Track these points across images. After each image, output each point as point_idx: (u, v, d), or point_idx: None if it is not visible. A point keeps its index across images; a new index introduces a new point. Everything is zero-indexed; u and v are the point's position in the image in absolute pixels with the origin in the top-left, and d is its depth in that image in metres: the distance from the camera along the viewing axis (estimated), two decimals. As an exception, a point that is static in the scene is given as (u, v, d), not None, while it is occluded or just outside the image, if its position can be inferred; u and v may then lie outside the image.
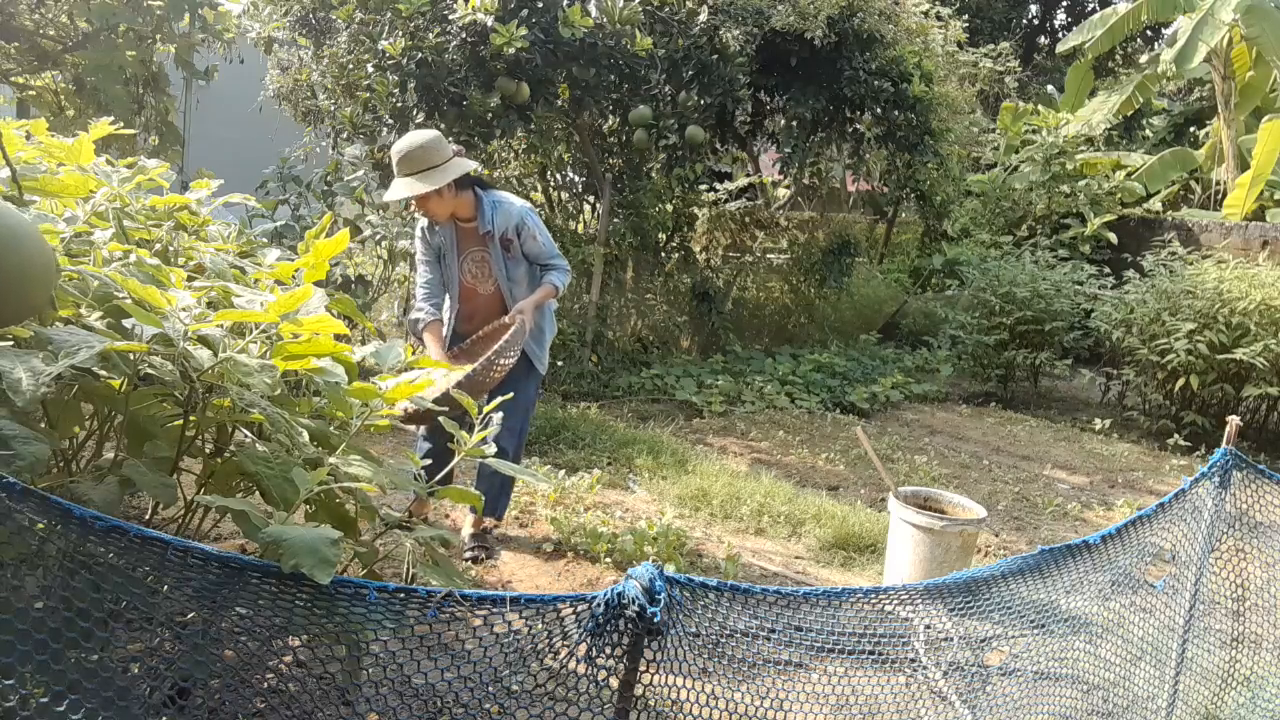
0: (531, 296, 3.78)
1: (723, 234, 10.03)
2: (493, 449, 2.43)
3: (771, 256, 10.13)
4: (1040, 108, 12.50)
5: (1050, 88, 17.18)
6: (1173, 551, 2.68)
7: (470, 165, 3.67)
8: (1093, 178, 11.16)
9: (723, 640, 1.81)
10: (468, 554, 3.86)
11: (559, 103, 6.70)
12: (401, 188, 3.59)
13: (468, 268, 3.88)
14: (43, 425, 1.94)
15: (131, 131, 5.43)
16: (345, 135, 7.06)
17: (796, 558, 4.39)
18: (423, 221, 3.89)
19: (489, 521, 4.03)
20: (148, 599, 1.55)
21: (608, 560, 4.03)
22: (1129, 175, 12.12)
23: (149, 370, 1.96)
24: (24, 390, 1.59)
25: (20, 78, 7.64)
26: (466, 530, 4.01)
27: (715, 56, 6.92)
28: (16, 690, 1.36)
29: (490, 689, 1.66)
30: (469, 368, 3.35)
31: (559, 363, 7.19)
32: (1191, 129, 15.61)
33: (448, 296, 3.96)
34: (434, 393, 3.00)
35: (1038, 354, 8.04)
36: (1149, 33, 17.32)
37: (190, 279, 2.29)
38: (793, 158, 8.37)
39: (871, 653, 2.03)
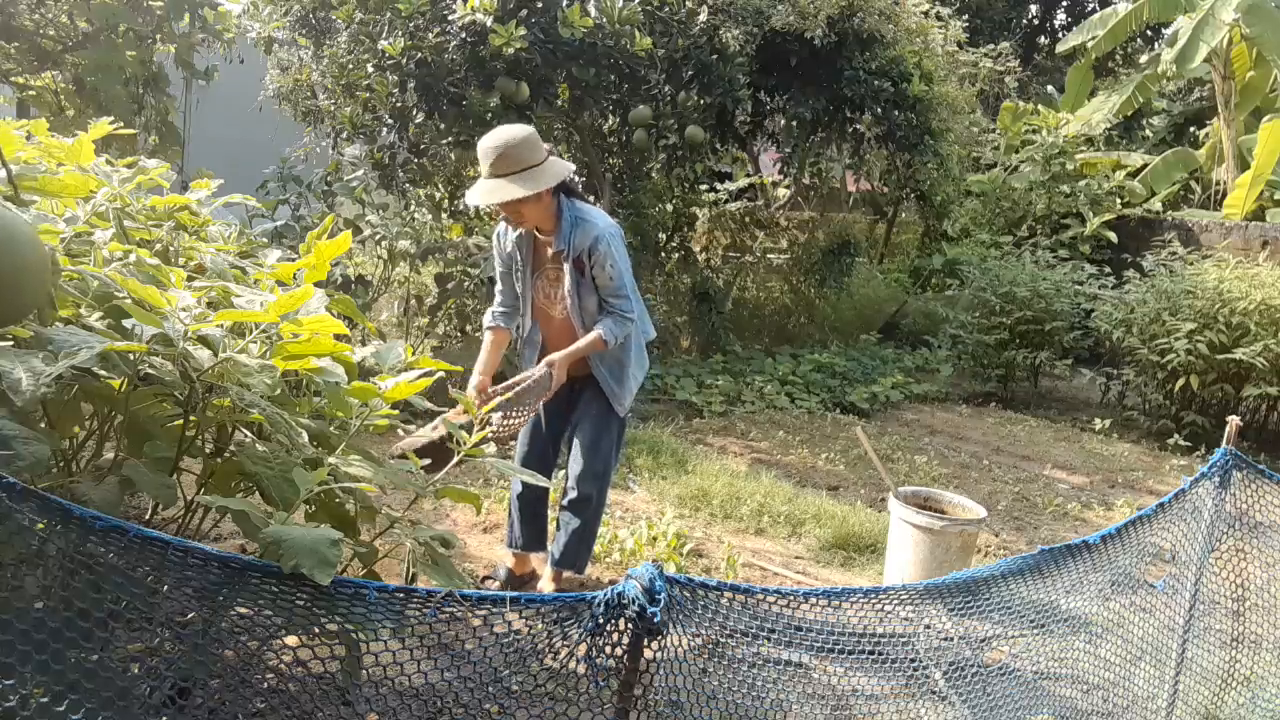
0: (569, 348, 3.30)
1: (723, 234, 10.04)
2: (492, 449, 2.43)
3: (771, 256, 10.13)
4: (1040, 108, 12.50)
5: (1050, 88, 17.19)
6: (1173, 551, 2.68)
7: (569, 168, 3.22)
8: (1093, 178, 11.17)
9: (723, 640, 1.82)
10: None
11: (559, 103, 6.70)
12: (493, 190, 3.09)
13: (541, 286, 3.46)
14: (43, 425, 1.94)
15: (131, 131, 5.43)
16: (345, 135, 7.05)
17: (796, 558, 4.38)
18: (499, 228, 3.48)
19: (569, 575, 3.64)
20: (148, 599, 1.55)
21: (607, 560, 4.03)
22: (1131, 175, 12.12)
23: (149, 370, 1.96)
24: (24, 390, 1.59)
25: (20, 78, 7.64)
26: (546, 586, 3.66)
27: (715, 56, 6.92)
28: (16, 690, 1.36)
29: (490, 689, 1.66)
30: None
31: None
32: (1191, 129, 15.61)
33: (522, 315, 3.58)
34: (427, 437, 2.80)
35: (1038, 354, 8.04)
36: (1149, 32, 17.32)
37: (190, 279, 2.29)
38: (793, 158, 8.37)
39: (871, 653, 2.03)
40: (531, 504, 3.70)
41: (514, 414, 3.07)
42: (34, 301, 1.73)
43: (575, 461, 3.50)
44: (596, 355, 3.41)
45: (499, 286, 3.56)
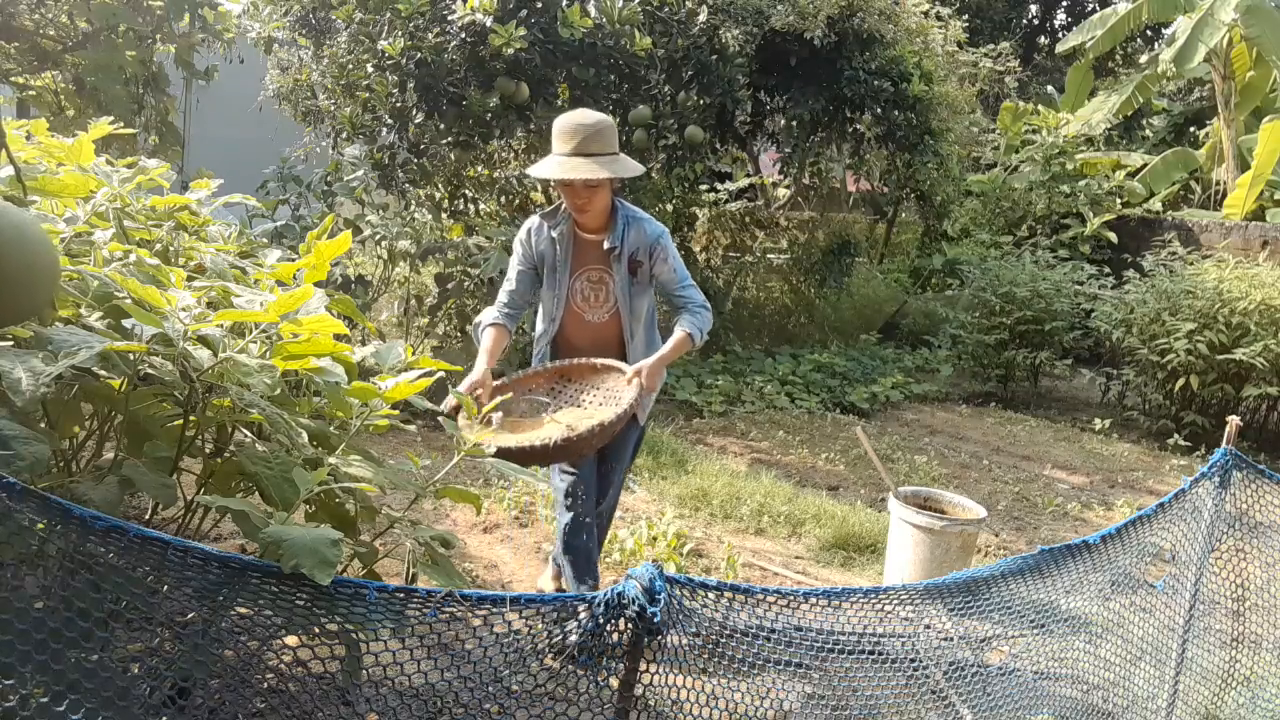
0: (659, 353, 3.06)
1: (723, 234, 10.03)
2: (493, 449, 2.43)
3: (771, 256, 10.13)
4: (1040, 108, 12.50)
5: (1050, 88, 17.19)
6: (1173, 551, 2.68)
7: (639, 168, 3.09)
8: (1093, 178, 11.17)
9: (723, 640, 1.82)
10: None
11: (559, 103, 6.70)
12: (575, 167, 2.93)
13: (580, 288, 3.21)
14: (43, 425, 1.94)
15: (131, 131, 5.43)
16: (345, 135, 7.05)
17: (796, 558, 4.38)
18: (531, 223, 3.24)
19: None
20: (148, 599, 1.55)
21: (607, 560, 4.03)
22: (1131, 175, 12.12)
23: (149, 370, 1.96)
24: (24, 390, 1.59)
25: (20, 78, 7.63)
26: (547, 586, 3.60)
27: (715, 56, 6.92)
28: (16, 690, 1.36)
29: (490, 689, 1.66)
30: (569, 425, 2.79)
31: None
32: (1191, 129, 15.61)
33: (545, 318, 3.29)
34: (519, 442, 2.66)
35: (1038, 354, 8.04)
36: (1149, 32, 17.33)
37: (190, 279, 2.29)
38: (793, 158, 8.37)
39: (871, 653, 2.03)
40: (590, 538, 3.34)
41: (615, 429, 2.81)
42: (44, 299, 1.73)
43: (611, 469, 3.34)
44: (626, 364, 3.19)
45: (512, 287, 3.28)
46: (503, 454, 2.63)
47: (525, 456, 2.67)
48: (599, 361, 3.15)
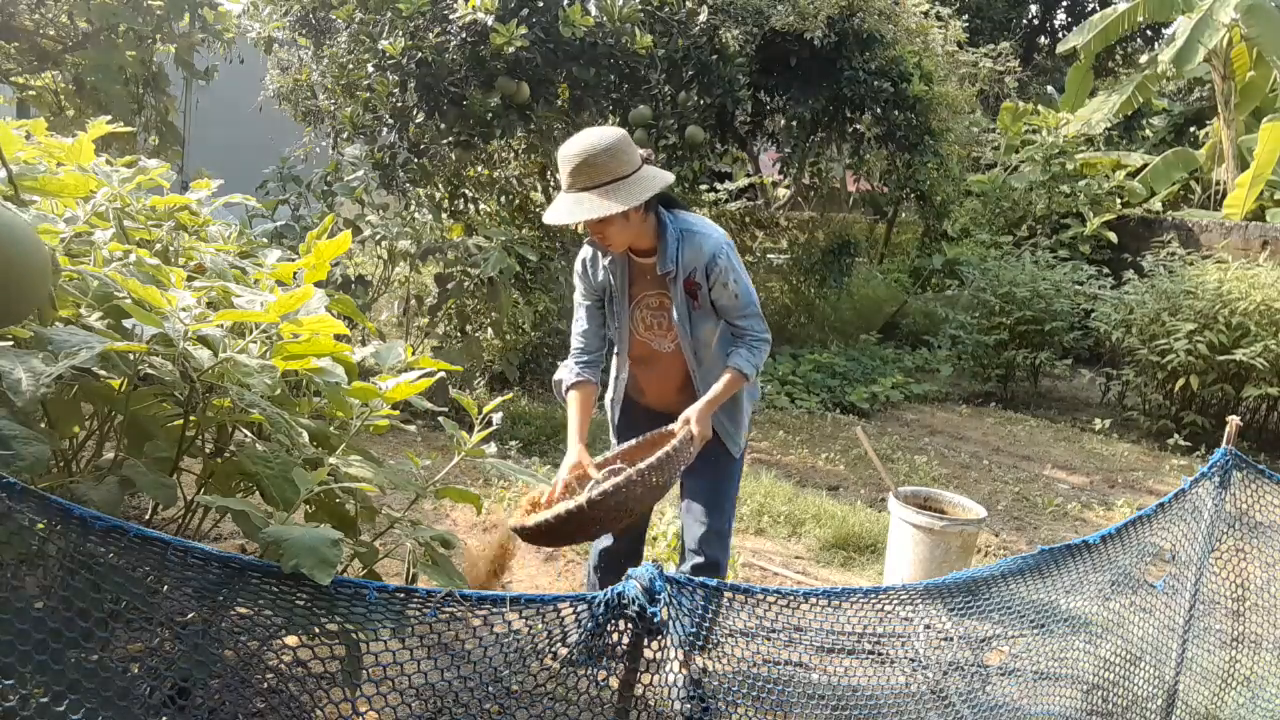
0: (707, 395, 2.72)
1: (723, 234, 10.02)
2: (493, 450, 2.43)
3: (771, 256, 10.12)
4: (1040, 108, 12.50)
5: (1050, 88, 17.20)
6: (1173, 551, 2.68)
7: (666, 179, 2.65)
8: (1093, 178, 11.17)
9: (723, 640, 1.82)
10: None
11: (559, 103, 6.70)
12: (574, 208, 2.54)
13: (641, 317, 2.87)
14: (43, 425, 1.94)
15: (131, 131, 5.42)
16: (345, 135, 7.05)
17: (796, 558, 4.38)
18: (585, 252, 2.89)
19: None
20: (148, 599, 1.55)
21: (608, 560, 4.03)
22: (1131, 175, 12.12)
23: (149, 370, 1.96)
24: (24, 390, 1.59)
25: (20, 78, 7.63)
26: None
27: (715, 56, 6.92)
28: (16, 690, 1.36)
29: (490, 689, 1.66)
30: (601, 485, 2.49)
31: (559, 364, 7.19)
32: (1191, 129, 15.61)
33: (616, 354, 2.98)
34: (555, 511, 2.36)
35: (1038, 354, 8.04)
36: (1149, 33, 17.33)
37: (190, 279, 2.29)
38: (793, 158, 8.37)
39: (871, 653, 2.03)
40: (618, 569, 3.06)
41: (655, 479, 2.48)
42: (35, 301, 1.73)
43: (695, 522, 2.96)
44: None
45: (582, 327, 2.93)
46: (544, 533, 2.42)
47: (566, 529, 2.39)
48: (655, 433, 2.91)
